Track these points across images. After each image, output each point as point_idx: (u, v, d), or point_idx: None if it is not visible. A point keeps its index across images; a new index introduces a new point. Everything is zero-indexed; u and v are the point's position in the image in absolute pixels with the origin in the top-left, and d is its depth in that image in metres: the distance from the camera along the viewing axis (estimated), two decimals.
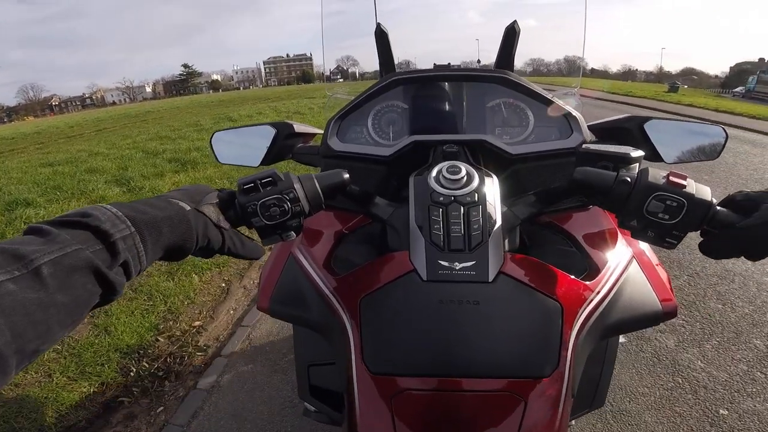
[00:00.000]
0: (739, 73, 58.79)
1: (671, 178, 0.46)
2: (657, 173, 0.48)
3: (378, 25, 0.94)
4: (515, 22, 0.92)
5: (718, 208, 0.46)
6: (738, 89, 35.86)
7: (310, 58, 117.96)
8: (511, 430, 0.47)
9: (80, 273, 0.31)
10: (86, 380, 1.72)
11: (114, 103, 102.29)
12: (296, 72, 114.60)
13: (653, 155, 0.75)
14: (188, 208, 0.42)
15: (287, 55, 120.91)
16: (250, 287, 2.51)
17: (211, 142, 0.89)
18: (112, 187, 4.31)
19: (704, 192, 0.46)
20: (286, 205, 0.48)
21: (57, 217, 0.34)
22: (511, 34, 0.93)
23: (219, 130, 0.90)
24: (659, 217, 0.46)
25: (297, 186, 0.49)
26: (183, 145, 6.54)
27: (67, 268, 0.30)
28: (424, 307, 0.50)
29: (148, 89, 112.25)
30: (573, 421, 0.92)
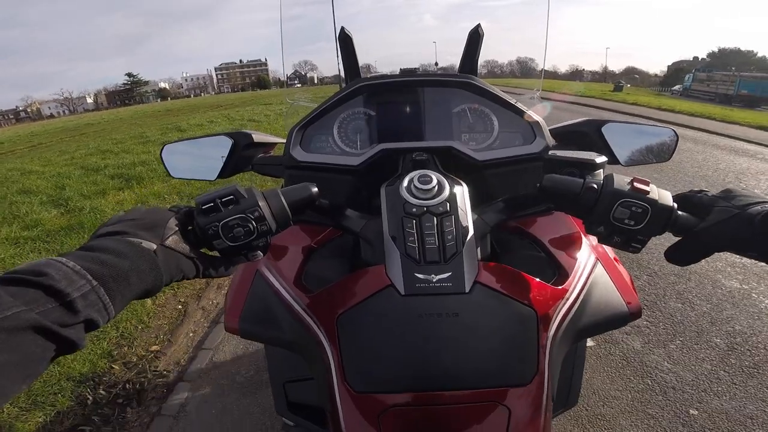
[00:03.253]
0: (677, 71, 62.37)
1: (635, 184, 0.48)
2: (622, 179, 0.49)
3: (342, 29, 0.91)
4: (479, 25, 0.91)
5: (680, 212, 0.48)
6: (676, 87, 38.43)
7: (265, 64, 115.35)
8: None
9: (25, 334, 0.29)
10: (40, 410, 1.63)
11: (52, 115, 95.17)
12: (251, 78, 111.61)
13: (610, 158, 0.77)
14: (154, 246, 0.40)
15: (240, 61, 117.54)
16: (209, 308, 2.41)
17: (161, 154, 0.84)
18: (49, 209, 3.96)
19: (666, 197, 0.48)
20: (250, 225, 0.45)
21: (5, 273, 0.32)
22: (475, 38, 0.91)
23: (169, 142, 0.85)
24: (625, 223, 0.47)
25: (262, 203, 0.47)
26: (127, 160, 6.13)
27: (7, 330, 0.28)
28: (404, 322, 0.49)
29: (90, 100, 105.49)
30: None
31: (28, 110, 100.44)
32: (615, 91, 24.50)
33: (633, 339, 1.96)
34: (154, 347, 2.06)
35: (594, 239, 0.61)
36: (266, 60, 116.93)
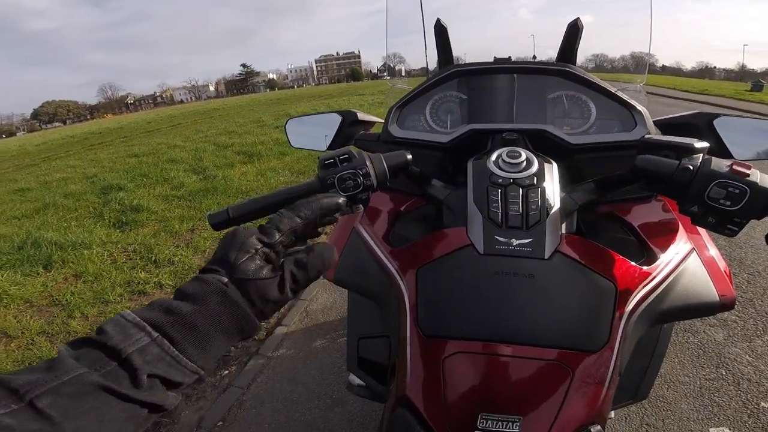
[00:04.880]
0: None
1: (735, 167, 0.47)
2: (720, 162, 0.48)
3: (438, 21, 0.97)
4: (578, 19, 0.92)
5: None
6: None
7: (359, 56, 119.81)
8: (557, 399, 0.48)
9: (90, 398, 0.27)
10: None
11: (182, 101, 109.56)
12: (345, 70, 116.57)
13: (723, 152, 0.74)
14: (225, 279, 0.35)
15: (337, 53, 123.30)
16: None
17: (285, 127, 0.99)
18: (190, 175, 4.89)
19: None
20: (359, 179, 0.51)
21: (82, 336, 0.31)
22: (574, 31, 0.92)
23: (292, 117, 1.00)
24: (720, 203, 0.46)
25: (368, 163, 0.53)
26: (248, 139, 7.12)
27: (69, 396, 0.27)
28: (480, 277, 0.52)
29: (212, 88, 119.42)
30: (613, 413, 0.91)
31: (164, 96, 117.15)
32: (752, 91, 20.33)
33: (716, 331, 1.86)
34: None
35: (697, 230, 0.61)
36: (359, 52, 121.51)
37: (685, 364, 1.69)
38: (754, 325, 1.90)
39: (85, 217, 3.79)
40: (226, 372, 1.85)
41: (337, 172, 0.52)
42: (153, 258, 2.81)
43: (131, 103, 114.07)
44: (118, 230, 3.41)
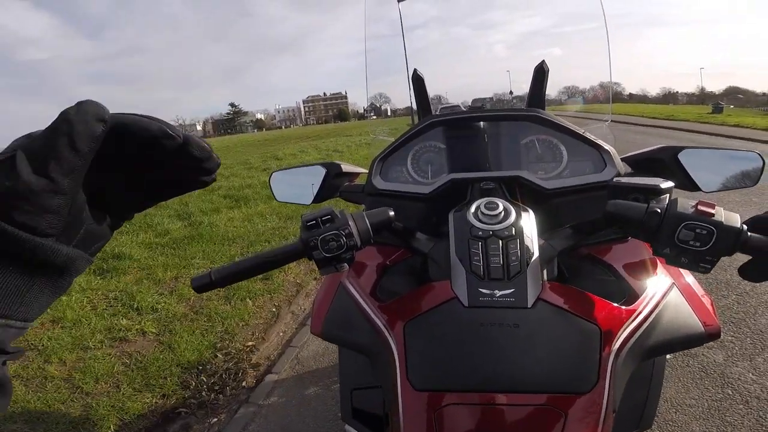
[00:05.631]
0: None
1: (699, 207, 0.49)
2: (686, 203, 0.50)
3: (414, 71, 1.01)
4: (543, 62, 0.95)
5: (750, 234, 0.48)
6: None
7: (345, 97, 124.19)
8: None
9: None
10: (150, 392, 1.92)
11: None
12: (333, 110, 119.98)
13: (690, 185, 0.77)
14: None
15: (324, 94, 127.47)
16: (298, 312, 2.75)
17: (269, 181, 0.99)
18: (175, 221, 4.81)
19: (733, 219, 0.48)
20: (342, 240, 0.53)
21: None
22: (540, 74, 0.95)
23: (277, 170, 1.00)
24: (690, 244, 0.48)
25: (351, 223, 0.54)
26: (235, 183, 7.11)
27: None
28: (466, 329, 0.54)
29: (199, 128, 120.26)
30: None
31: None
32: (714, 113, 21.05)
33: (714, 353, 1.89)
34: (250, 343, 2.36)
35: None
36: (346, 93, 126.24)
37: (689, 387, 1.70)
38: (751, 344, 1.94)
39: None
40: (215, 420, 1.79)
41: (320, 233, 0.53)
42: (135, 305, 2.73)
43: None
44: (98, 277, 3.30)
